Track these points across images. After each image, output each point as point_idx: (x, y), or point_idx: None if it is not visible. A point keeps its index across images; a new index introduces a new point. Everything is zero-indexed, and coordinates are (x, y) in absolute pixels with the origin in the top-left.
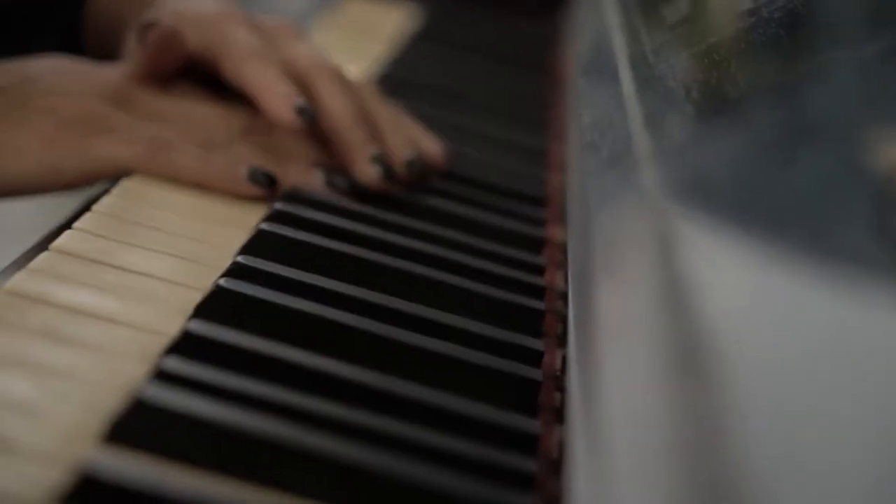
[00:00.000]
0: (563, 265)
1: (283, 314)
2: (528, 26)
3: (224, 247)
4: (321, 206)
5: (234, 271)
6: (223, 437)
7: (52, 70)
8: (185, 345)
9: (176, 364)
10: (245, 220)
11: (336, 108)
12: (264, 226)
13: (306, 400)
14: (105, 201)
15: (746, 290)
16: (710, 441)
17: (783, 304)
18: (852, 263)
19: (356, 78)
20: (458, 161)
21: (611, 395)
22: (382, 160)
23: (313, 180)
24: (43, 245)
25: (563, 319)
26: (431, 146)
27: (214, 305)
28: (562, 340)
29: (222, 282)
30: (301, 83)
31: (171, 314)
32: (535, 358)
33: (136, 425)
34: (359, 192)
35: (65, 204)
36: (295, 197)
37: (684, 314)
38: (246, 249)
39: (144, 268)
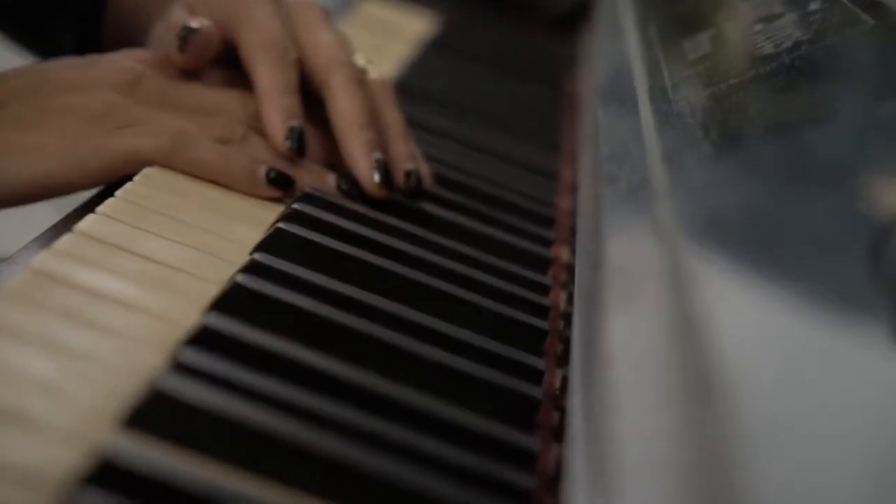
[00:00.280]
0: (566, 285)
1: (295, 314)
2: (545, 42)
3: (239, 241)
4: (337, 210)
5: (251, 268)
6: (235, 431)
7: (64, 66)
8: (203, 338)
9: (193, 356)
10: (261, 216)
11: (346, 108)
12: (282, 225)
13: (313, 400)
14: (128, 187)
15: (757, 329)
16: (715, 472)
17: (793, 343)
18: (864, 305)
19: (375, 75)
20: (470, 175)
21: (618, 421)
22: (383, 167)
23: (327, 184)
24: (64, 225)
25: (565, 340)
26: (424, 164)
27: (231, 301)
28: (562, 360)
29: (239, 278)
30: (316, 77)
31: (187, 305)
32: (536, 376)
33: (155, 414)
34: (364, 196)
35: None
36: (312, 198)
37: (694, 350)
38: (263, 247)
39: (163, 257)
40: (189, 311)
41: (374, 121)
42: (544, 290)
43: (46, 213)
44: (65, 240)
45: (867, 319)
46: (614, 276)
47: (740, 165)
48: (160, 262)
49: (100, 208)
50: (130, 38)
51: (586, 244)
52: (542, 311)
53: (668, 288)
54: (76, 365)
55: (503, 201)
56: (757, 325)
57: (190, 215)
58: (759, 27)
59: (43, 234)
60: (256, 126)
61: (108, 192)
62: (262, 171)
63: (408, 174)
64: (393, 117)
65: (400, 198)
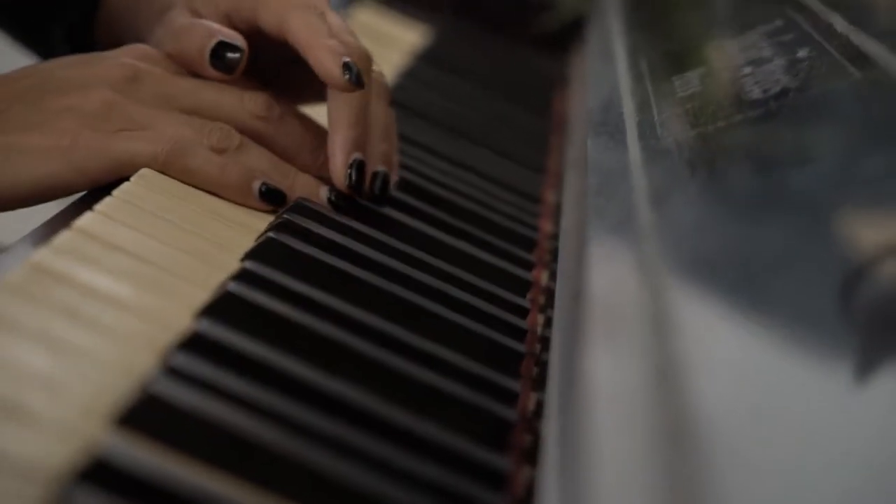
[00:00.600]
0: (545, 309)
1: (282, 324)
2: (536, 60)
3: (230, 247)
4: (326, 221)
5: (242, 276)
6: (221, 436)
7: (64, 65)
8: (194, 343)
9: (184, 361)
10: (252, 224)
11: (344, 100)
12: (272, 234)
13: (295, 409)
14: (125, 188)
15: (735, 371)
16: None
17: (770, 385)
18: (844, 347)
19: (377, 67)
20: (456, 192)
21: (594, 452)
22: (359, 169)
23: (319, 196)
24: (61, 220)
25: (541, 363)
26: (396, 168)
27: (222, 308)
28: (537, 384)
29: (231, 286)
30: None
31: (177, 307)
32: (511, 398)
33: (147, 416)
34: (353, 209)
35: None
36: (303, 209)
37: (673, 389)
38: (253, 255)
39: (156, 258)
40: (179, 314)
41: (363, 118)
42: (523, 312)
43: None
44: (64, 236)
45: (846, 362)
46: (598, 310)
47: (725, 208)
48: (154, 263)
49: (98, 207)
50: (121, 38)
51: (568, 271)
52: (519, 334)
53: (650, 326)
54: (72, 361)
55: (487, 221)
56: (735, 367)
57: (183, 219)
58: (748, 70)
59: (40, 227)
60: (257, 122)
61: (103, 188)
62: (256, 185)
63: (374, 176)
64: (381, 114)
65: (388, 212)
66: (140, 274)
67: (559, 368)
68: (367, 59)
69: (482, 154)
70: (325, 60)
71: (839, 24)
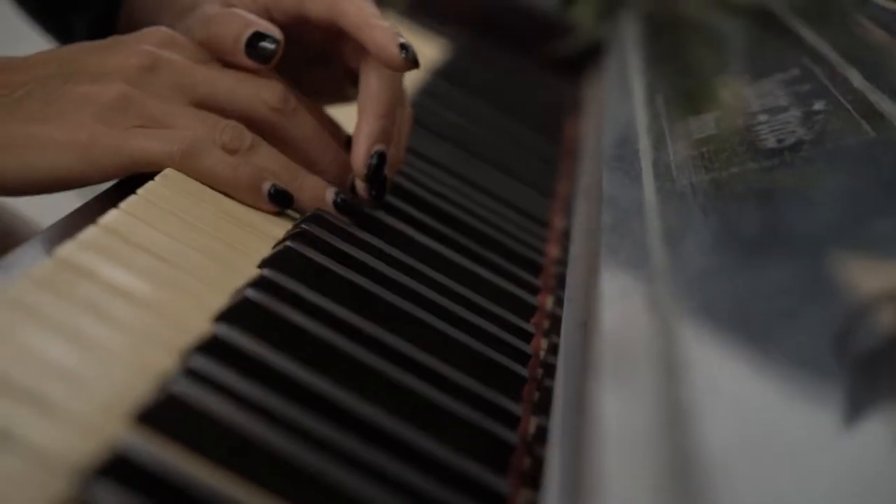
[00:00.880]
0: (548, 334)
1: (297, 334)
2: (551, 83)
3: (247, 252)
4: (342, 234)
5: (260, 283)
6: (234, 440)
7: (85, 51)
8: (212, 347)
9: (202, 363)
10: (269, 230)
11: (379, 91)
12: (290, 244)
13: (304, 418)
14: (149, 187)
15: (743, 418)
16: None
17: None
18: (854, 391)
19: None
20: (468, 212)
21: (601, 488)
22: (380, 159)
23: (325, 200)
24: (85, 215)
25: (542, 388)
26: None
27: (240, 314)
28: (538, 408)
29: (248, 292)
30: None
31: (195, 309)
32: (513, 421)
33: (166, 415)
34: (366, 222)
35: None
36: (320, 220)
37: (681, 434)
38: (271, 263)
39: (176, 259)
40: (196, 316)
41: (394, 109)
42: (527, 336)
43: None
44: (89, 232)
45: (853, 405)
46: (609, 346)
47: (737, 255)
48: (173, 263)
49: (123, 205)
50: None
51: (576, 300)
52: (523, 358)
53: (660, 366)
54: (93, 356)
55: (496, 242)
56: (744, 410)
57: (203, 221)
58: (763, 117)
59: (63, 219)
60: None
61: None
62: (266, 186)
63: (378, 171)
64: (405, 114)
65: (401, 228)
66: (160, 274)
67: (564, 397)
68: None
69: (493, 175)
70: (382, 38)
71: (856, 79)
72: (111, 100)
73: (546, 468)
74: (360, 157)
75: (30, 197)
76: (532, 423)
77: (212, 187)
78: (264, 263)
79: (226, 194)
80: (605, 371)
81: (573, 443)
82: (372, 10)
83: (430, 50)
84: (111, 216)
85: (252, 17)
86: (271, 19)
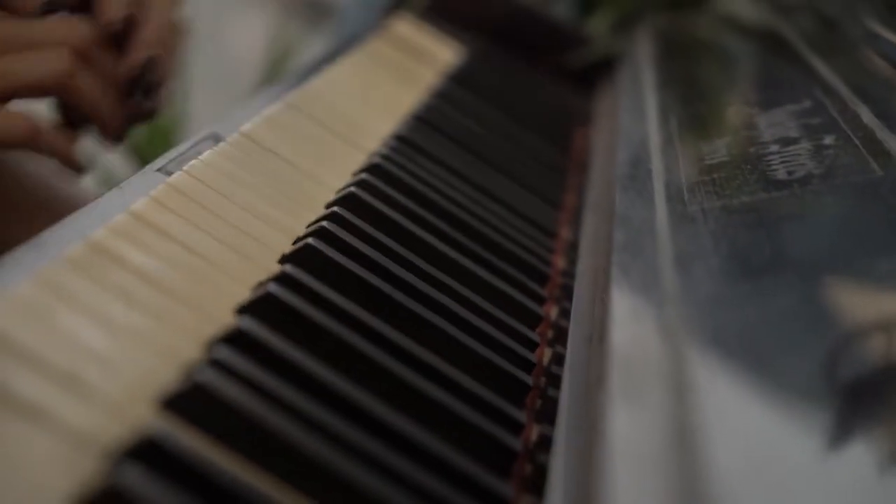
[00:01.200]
0: (552, 344)
1: (315, 330)
2: (561, 93)
3: (271, 247)
4: (359, 234)
5: (282, 279)
6: (253, 430)
7: None
8: (236, 339)
9: (227, 355)
10: (287, 222)
11: None
12: (312, 241)
13: (321, 412)
14: (178, 177)
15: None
16: None
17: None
18: (862, 422)
19: None
20: (478, 218)
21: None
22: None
23: None
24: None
25: (545, 397)
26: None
27: (263, 308)
28: (540, 417)
29: (271, 287)
30: None
31: (220, 301)
32: (517, 428)
33: (191, 403)
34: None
35: None
36: (340, 219)
37: (689, 457)
38: (292, 259)
39: (201, 250)
40: (220, 307)
41: None
42: (532, 345)
43: None
44: (120, 219)
45: (861, 431)
46: (618, 366)
47: (746, 284)
48: (199, 254)
49: (154, 193)
50: None
51: (582, 314)
52: (528, 366)
53: (669, 391)
54: (122, 341)
55: (505, 250)
56: (751, 435)
57: (227, 213)
58: (774, 147)
59: (94, 202)
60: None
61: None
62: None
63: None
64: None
65: (414, 230)
66: (186, 263)
67: (570, 409)
68: None
69: (503, 182)
70: None
71: (866, 115)
72: None
73: (550, 477)
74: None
75: None
76: (535, 431)
77: (238, 182)
78: (286, 259)
79: (258, 190)
80: (615, 389)
81: (580, 456)
82: None
83: (446, 53)
84: (141, 204)
85: None
86: None
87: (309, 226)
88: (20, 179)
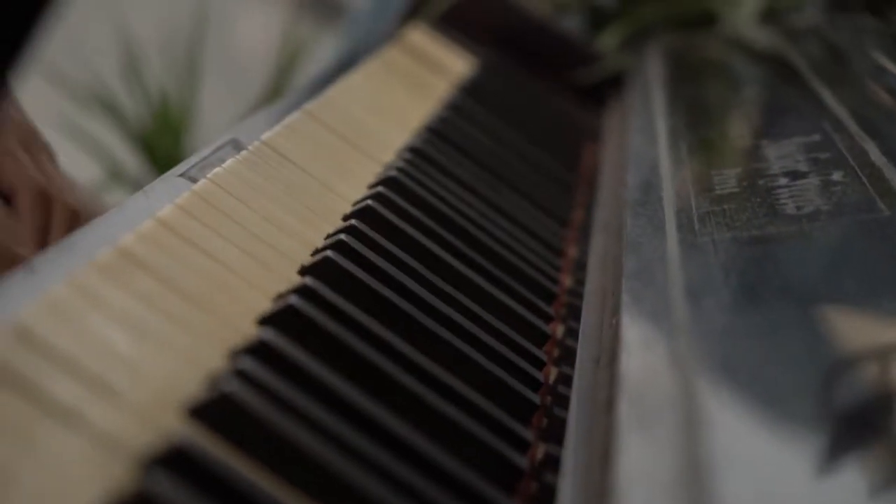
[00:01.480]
0: (558, 363)
1: (334, 344)
2: (570, 109)
3: (290, 257)
4: (376, 248)
5: (303, 292)
6: (275, 441)
7: None
8: (260, 350)
9: (251, 366)
10: (305, 233)
11: None
12: (330, 254)
13: (339, 426)
14: (203, 185)
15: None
16: None
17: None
18: (873, 458)
19: None
20: (488, 234)
21: None
22: None
23: None
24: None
25: (550, 416)
26: None
27: (285, 320)
28: (545, 435)
29: (293, 300)
30: None
31: (240, 309)
32: (524, 447)
33: (216, 413)
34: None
35: None
36: (357, 233)
37: (702, 486)
38: (312, 272)
39: (224, 259)
40: (241, 315)
41: None
42: (539, 364)
43: None
44: (147, 225)
45: (873, 466)
46: (631, 394)
47: (754, 318)
48: (222, 262)
49: (179, 201)
50: None
51: (591, 335)
52: (535, 385)
53: (680, 423)
54: (149, 347)
55: (514, 268)
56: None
57: (249, 222)
58: (783, 181)
59: (119, 206)
60: None
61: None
62: None
63: None
64: None
65: (427, 244)
66: (208, 271)
67: (577, 431)
68: None
69: (512, 197)
70: None
71: (874, 153)
72: None
73: (558, 498)
74: None
75: None
76: (540, 450)
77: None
78: (306, 271)
79: (278, 200)
80: (626, 417)
81: (588, 479)
82: None
83: (459, 64)
84: (167, 212)
85: None
86: None
87: (327, 237)
88: None
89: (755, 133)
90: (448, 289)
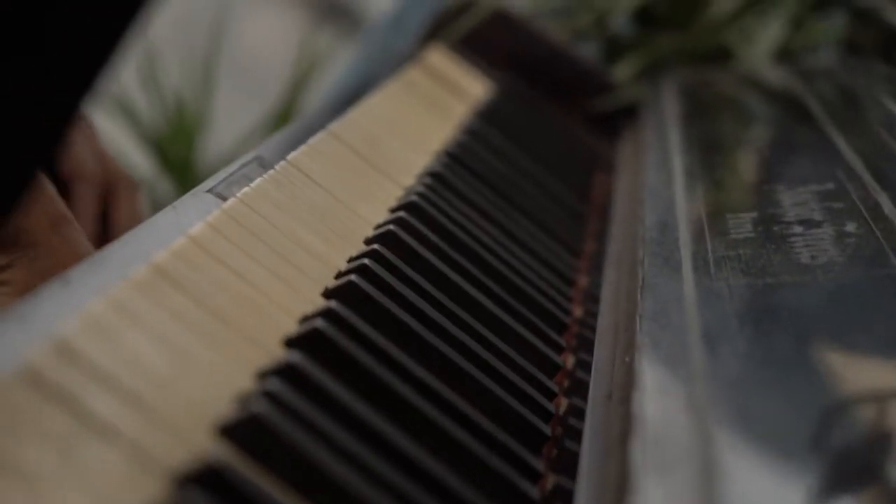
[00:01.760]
0: (568, 394)
1: (357, 367)
2: (583, 137)
3: (315, 279)
4: (396, 272)
5: (328, 315)
6: (301, 463)
7: None
8: (286, 372)
9: (278, 387)
10: (330, 256)
11: None
12: (354, 279)
13: (359, 448)
14: (232, 204)
15: None
16: None
17: None
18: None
19: None
20: (502, 262)
21: None
22: None
23: None
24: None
25: (561, 448)
26: None
27: (311, 343)
28: (555, 466)
29: (319, 323)
30: None
31: (268, 329)
32: (536, 477)
33: (246, 433)
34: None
35: None
36: (379, 257)
37: None
38: (337, 295)
39: (252, 278)
40: (267, 335)
41: None
42: (551, 395)
43: None
44: (180, 243)
45: None
46: (648, 439)
47: (771, 368)
48: (249, 281)
49: (210, 219)
50: None
51: (603, 370)
52: (546, 416)
53: (697, 471)
54: (181, 365)
55: (527, 296)
56: None
57: (277, 243)
58: (798, 229)
59: (149, 221)
60: None
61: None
62: None
63: None
64: None
65: (445, 270)
66: (237, 290)
67: (590, 467)
68: None
69: (526, 225)
70: None
71: (886, 205)
72: None
73: None
74: None
75: None
76: (550, 481)
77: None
78: (330, 294)
79: (304, 222)
80: (642, 461)
81: None
82: None
83: (477, 88)
84: (198, 230)
85: None
86: None
87: (350, 260)
88: None
89: (770, 177)
90: (464, 315)
